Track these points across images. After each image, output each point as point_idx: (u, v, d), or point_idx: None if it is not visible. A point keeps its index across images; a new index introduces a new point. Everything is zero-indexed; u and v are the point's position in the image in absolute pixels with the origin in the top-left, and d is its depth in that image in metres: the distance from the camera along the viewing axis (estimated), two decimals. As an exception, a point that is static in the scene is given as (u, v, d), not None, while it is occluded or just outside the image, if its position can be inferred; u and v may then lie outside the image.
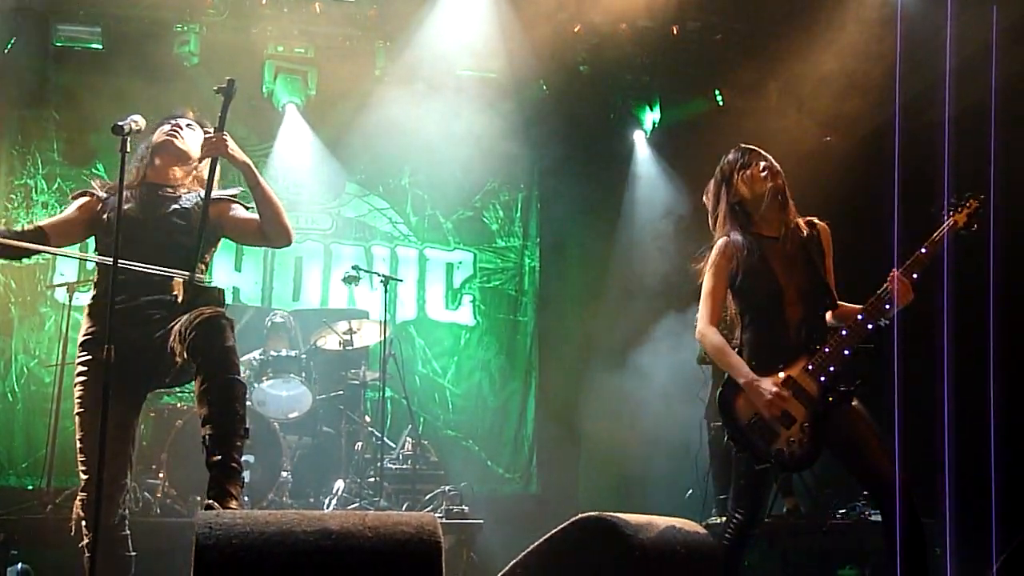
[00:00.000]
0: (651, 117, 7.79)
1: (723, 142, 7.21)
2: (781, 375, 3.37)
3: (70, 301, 6.07)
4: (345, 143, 7.94)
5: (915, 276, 3.38)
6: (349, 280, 6.43)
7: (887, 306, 3.36)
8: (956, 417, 5.92)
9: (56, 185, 7.47)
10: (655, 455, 7.67)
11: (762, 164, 3.55)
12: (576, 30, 7.30)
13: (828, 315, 3.56)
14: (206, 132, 3.54)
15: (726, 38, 7.42)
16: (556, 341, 8.21)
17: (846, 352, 3.34)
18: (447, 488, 6.19)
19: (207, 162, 3.48)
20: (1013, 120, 5.80)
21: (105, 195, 3.51)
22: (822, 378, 3.33)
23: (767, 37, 7.18)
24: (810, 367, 3.35)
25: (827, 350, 3.35)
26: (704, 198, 3.74)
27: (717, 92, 7.80)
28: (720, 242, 3.54)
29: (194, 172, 3.59)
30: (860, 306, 3.45)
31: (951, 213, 3.44)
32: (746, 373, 3.38)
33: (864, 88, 6.79)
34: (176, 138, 3.56)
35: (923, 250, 3.39)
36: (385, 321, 6.29)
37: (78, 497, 3.31)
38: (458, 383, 8.01)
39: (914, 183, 6.41)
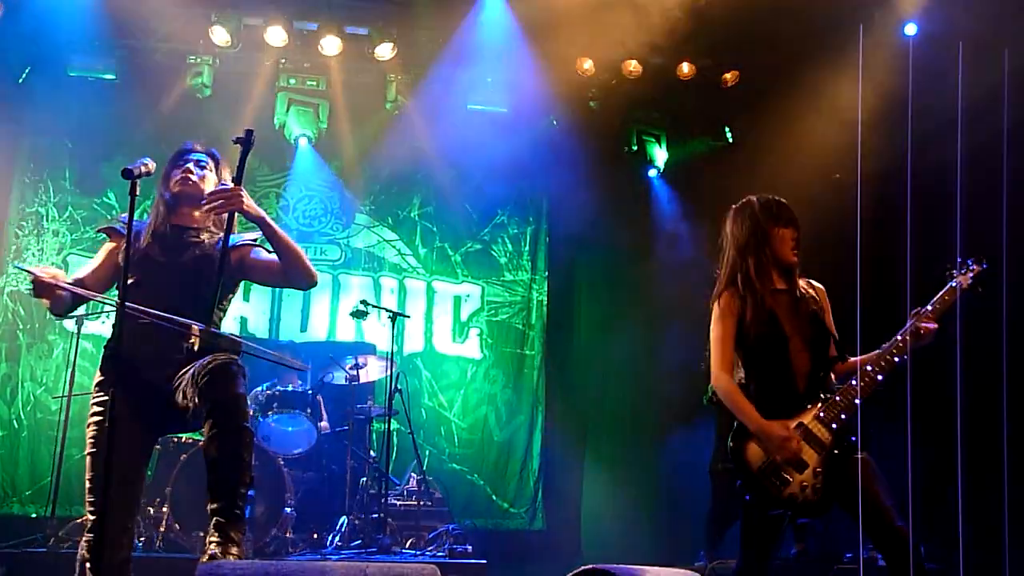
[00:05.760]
0: (661, 153, 7.80)
1: (733, 179, 7.35)
2: (792, 422, 3.36)
3: (79, 330, 6.07)
4: (355, 175, 8.02)
5: (923, 333, 3.46)
6: (357, 315, 6.42)
7: (896, 359, 3.39)
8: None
9: (67, 213, 7.54)
10: (663, 493, 7.63)
11: (796, 233, 3.53)
12: (586, 66, 7.36)
13: (834, 369, 3.55)
14: (214, 162, 3.58)
15: (736, 75, 7.44)
16: (563, 375, 8.17)
17: (857, 401, 3.35)
18: (451, 526, 6.15)
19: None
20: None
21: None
22: (834, 425, 3.34)
23: (777, 74, 7.17)
24: (821, 414, 3.35)
25: (838, 398, 3.37)
26: (726, 229, 3.66)
27: (727, 129, 7.83)
28: (726, 293, 3.52)
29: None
30: (868, 355, 3.46)
31: (957, 275, 3.58)
32: (756, 419, 3.36)
33: (874, 126, 6.78)
34: (190, 184, 3.53)
35: (929, 308, 3.49)
36: (392, 357, 6.27)
37: (84, 538, 3.28)
38: (464, 416, 7.94)
39: (925, 222, 6.44)
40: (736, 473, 3.43)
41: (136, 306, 3.15)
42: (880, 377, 3.38)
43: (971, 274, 3.59)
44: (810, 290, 3.61)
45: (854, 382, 3.37)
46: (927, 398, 6.29)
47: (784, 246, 3.50)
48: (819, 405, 3.38)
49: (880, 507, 3.27)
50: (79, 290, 3.31)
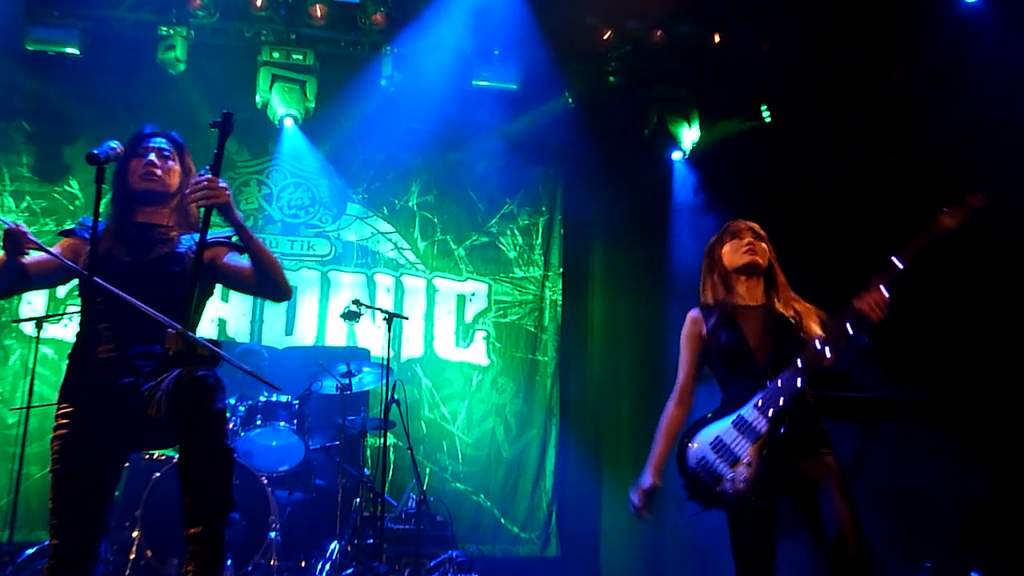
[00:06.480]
0: (689, 134, 7.44)
1: (770, 163, 6.88)
2: (732, 416, 3.44)
3: (38, 334, 5.86)
4: (346, 160, 7.77)
5: (886, 290, 3.30)
6: (348, 317, 6.10)
7: (848, 327, 3.31)
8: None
9: (25, 204, 7.28)
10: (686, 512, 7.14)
11: (747, 239, 3.68)
12: (606, 36, 7.01)
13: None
14: (178, 149, 3.49)
15: (775, 47, 7.06)
16: (579, 384, 7.94)
17: (799, 382, 3.34)
18: (455, 553, 6.02)
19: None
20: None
21: (88, 237, 3.38)
22: (770, 411, 3.38)
23: (821, 47, 6.80)
24: (760, 403, 3.41)
25: (779, 383, 3.38)
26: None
27: (764, 107, 7.50)
28: (689, 315, 3.76)
29: (181, 206, 3.47)
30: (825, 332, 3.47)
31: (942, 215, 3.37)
32: (652, 457, 3.64)
33: (930, 103, 6.42)
34: (155, 180, 3.41)
35: (897, 262, 3.30)
36: (388, 363, 5.98)
37: (46, 565, 3.14)
38: (469, 430, 7.69)
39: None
40: (679, 472, 3.54)
41: (118, 291, 3.02)
42: (828, 352, 3.31)
43: (964, 212, 3.31)
44: (789, 309, 3.65)
45: (799, 362, 3.37)
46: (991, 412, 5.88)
47: (733, 254, 3.69)
48: (760, 393, 3.44)
49: (836, 522, 3.27)
50: (52, 251, 3.14)
